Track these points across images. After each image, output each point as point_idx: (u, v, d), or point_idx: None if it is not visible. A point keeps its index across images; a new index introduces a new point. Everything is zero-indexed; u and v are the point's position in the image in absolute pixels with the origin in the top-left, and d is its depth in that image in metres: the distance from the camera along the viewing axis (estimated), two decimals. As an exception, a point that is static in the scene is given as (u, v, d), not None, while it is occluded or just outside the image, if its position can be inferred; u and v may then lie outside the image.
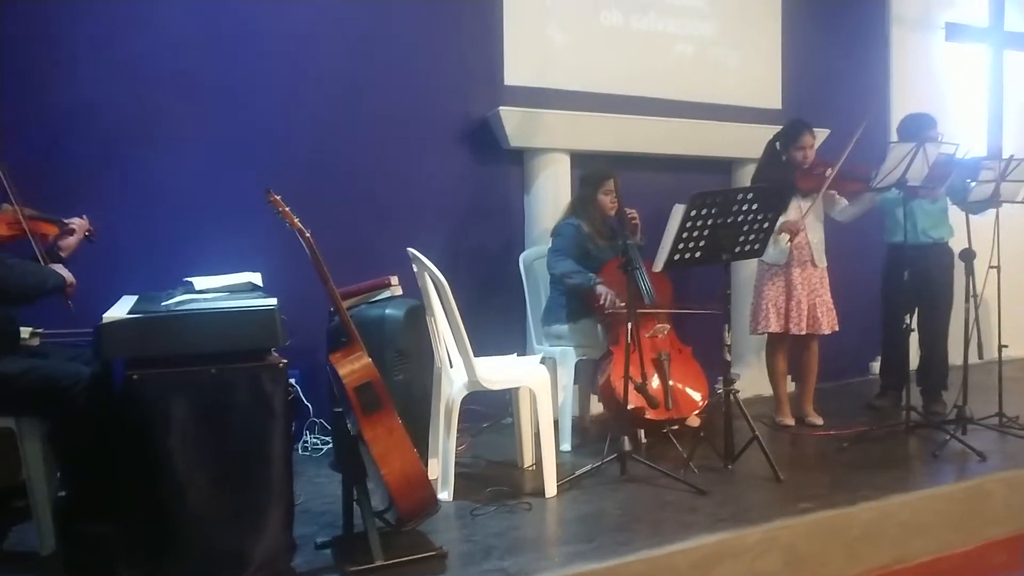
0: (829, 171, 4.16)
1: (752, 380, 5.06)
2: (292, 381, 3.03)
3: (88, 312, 2.66)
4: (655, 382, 3.96)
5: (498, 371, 3.43)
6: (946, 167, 4.02)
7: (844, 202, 4.40)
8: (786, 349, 4.44)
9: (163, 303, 2.67)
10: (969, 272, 4.13)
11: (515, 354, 3.85)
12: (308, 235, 2.65)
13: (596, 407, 4.56)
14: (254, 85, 4.08)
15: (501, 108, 4.53)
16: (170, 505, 2.44)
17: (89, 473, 2.76)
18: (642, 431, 4.08)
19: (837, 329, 4.31)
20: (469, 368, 3.25)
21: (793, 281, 4.25)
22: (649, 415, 3.88)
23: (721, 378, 3.66)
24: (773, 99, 5.49)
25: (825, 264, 4.33)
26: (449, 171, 4.57)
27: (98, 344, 2.50)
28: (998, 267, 4.16)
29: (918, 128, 4.42)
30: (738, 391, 3.65)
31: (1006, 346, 4.31)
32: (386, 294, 3.69)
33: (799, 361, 4.49)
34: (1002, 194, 4.14)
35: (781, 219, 3.89)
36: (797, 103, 5.40)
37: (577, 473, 3.45)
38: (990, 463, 3.65)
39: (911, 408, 4.08)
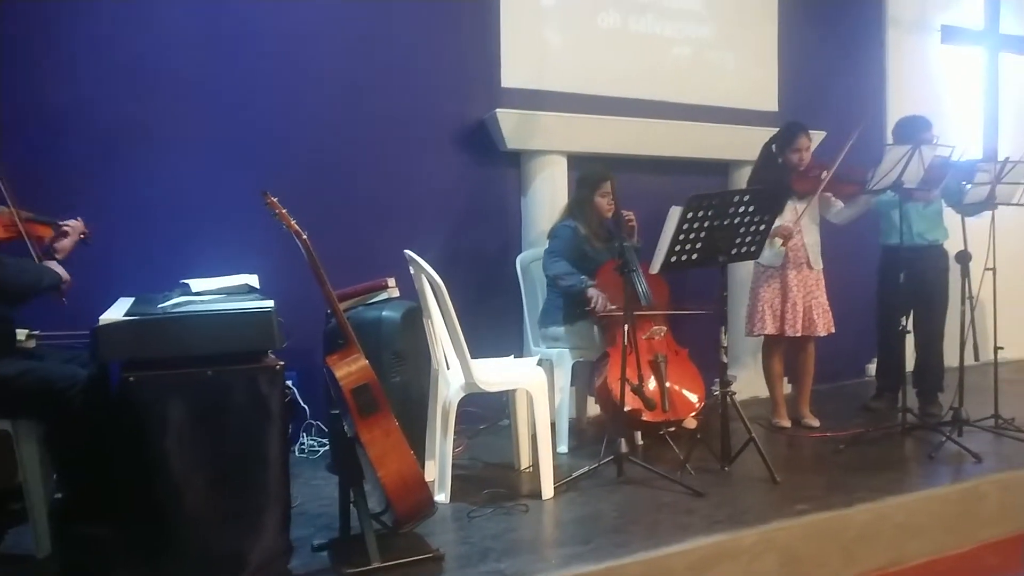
0: (825, 173, 4.17)
1: (748, 382, 5.07)
2: (289, 383, 3.03)
3: (84, 314, 2.65)
4: (652, 384, 3.96)
5: (495, 373, 3.43)
6: (942, 169, 4.03)
7: (840, 204, 4.41)
8: (782, 351, 4.44)
9: (160, 305, 2.67)
10: (965, 274, 4.13)
11: (512, 356, 3.85)
12: (305, 237, 2.65)
13: (593, 409, 4.56)
14: (251, 87, 4.08)
15: (498, 110, 4.54)
16: (167, 507, 2.44)
17: (85, 475, 2.76)
18: (639, 433, 4.09)
19: (833, 331, 4.32)
20: (466, 370, 3.25)
21: (789, 283, 4.25)
22: (646, 417, 3.88)
23: (718, 380, 3.67)
24: (770, 101, 5.50)
25: (821, 266, 4.33)
26: (446, 173, 4.57)
27: (94, 346, 2.49)
28: (994, 269, 4.17)
29: (914, 130, 4.43)
30: (734, 393, 3.66)
31: (1002, 348, 4.33)
32: (383, 296, 3.70)
33: (795, 363, 4.50)
34: (998, 196, 4.14)
35: (777, 222, 3.90)
36: (793, 105, 5.41)
37: (574, 475, 3.46)
38: (986, 465, 3.66)
39: (907, 410, 4.09)
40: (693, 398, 4.07)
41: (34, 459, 2.73)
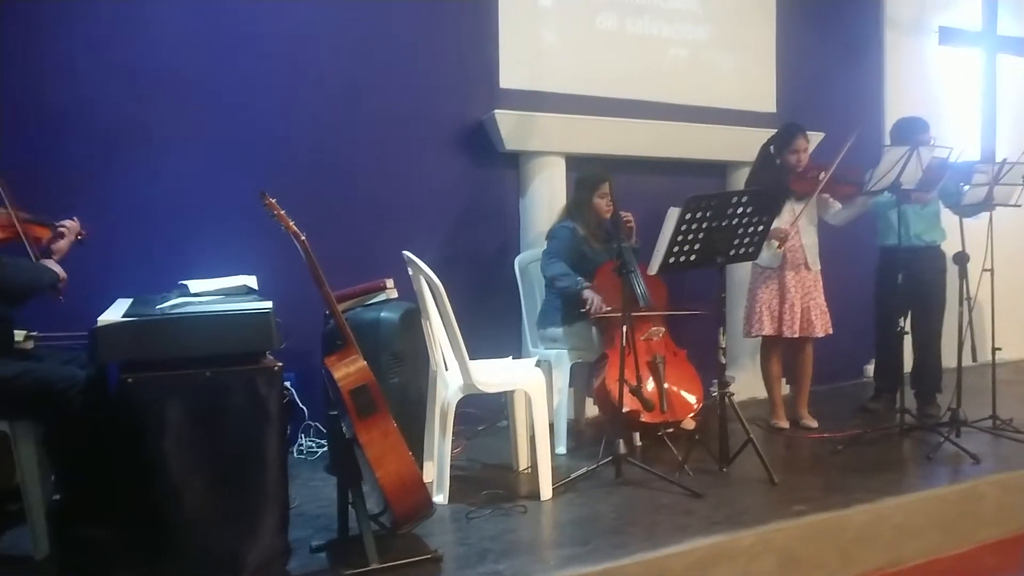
0: (823, 175, 4.17)
1: (747, 383, 5.08)
2: (287, 384, 3.02)
3: (83, 315, 2.65)
4: (650, 385, 3.97)
5: (493, 374, 3.43)
6: (939, 171, 4.03)
7: (838, 205, 4.41)
8: (780, 352, 4.45)
9: (158, 306, 2.67)
10: (963, 275, 4.14)
11: (510, 357, 3.85)
12: (303, 238, 2.65)
13: (591, 410, 4.56)
14: (249, 88, 4.08)
15: (496, 111, 4.54)
16: (165, 508, 2.44)
17: (84, 476, 2.76)
18: (637, 434, 4.09)
19: (831, 332, 4.33)
20: (464, 371, 3.25)
21: (787, 284, 4.26)
22: (644, 418, 3.88)
23: (716, 381, 3.67)
24: (768, 102, 5.50)
25: (819, 267, 4.34)
26: (445, 174, 4.57)
27: (93, 347, 2.49)
28: (992, 270, 4.17)
29: (911, 132, 4.44)
30: (733, 394, 3.66)
31: (999, 349, 4.33)
32: (381, 297, 3.70)
33: (793, 364, 4.50)
34: (995, 197, 4.15)
35: (775, 223, 3.90)
36: (791, 106, 5.42)
37: (572, 476, 3.45)
38: (984, 466, 3.66)
39: (905, 411, 4.10)
40: (691, 399, 4.07)
41: (32, 460, 2.73)
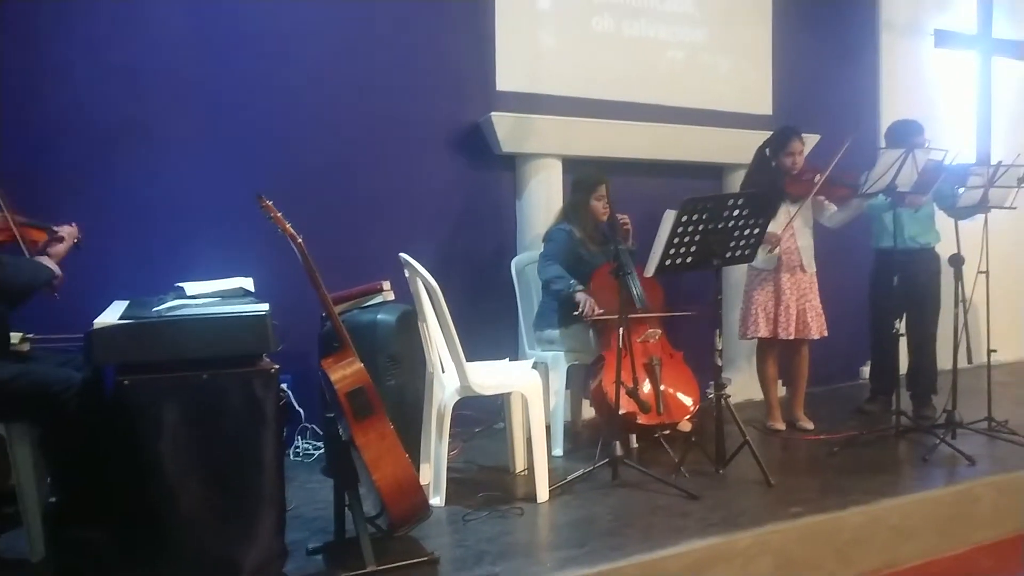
0: (818, 177, 4.18)
1: (743, 385, 5.08)
2: (284, 386, 3.03)
3: (79, 317, 2.65)
4: (647, 387, 3.97)
5: (490, 376, 3.43)
6: (934, 173, 4.05)
7: (833, 208, 4.42)
8: (776, 354, 4.46)
9: (154, 308, 2.67)
10: (958, 277, 4.15)
11: (507, 359, 3.85)
12: (300, 240, 2.65)
13: (588, 412, 4.56)
14: (246, 89, 4.08)
15: (493, 113, 4.54)
16: (161, 511, 2.44)
17: (80, 479, 2.75)
18: (633, 436, 4.09)
19: (826, 334, 4.33)
20: (461, 373, 3.25)
21: (782, 286, 4.27)
22: (641, 420, 3.89)
23: (712, 383, 3.68)
24: (764, 105, 5.51)
25: (814, 269, 4.35)
26: (441, 176, 4.58)
27: (89, 349, 2.49)
28: (987, 272, 4.18)
29: (906, 134, 4.45)
30: (729, 396, 3.67)
31: (995, 351, 4.33)
32: (378, 299, 3.69)
33: (790, 366, 4.51)
34: (990, 200, 4.16)
35: (771, 225, 3.90)
36: (787, 109, 5.43)
37: (569, 478, 3.46)
38: (979, 467, 3.67)
39: (901, 413, 4.10)
40: (688, 401, 4.08)
41: (28, 462, 2.72)
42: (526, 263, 4.53)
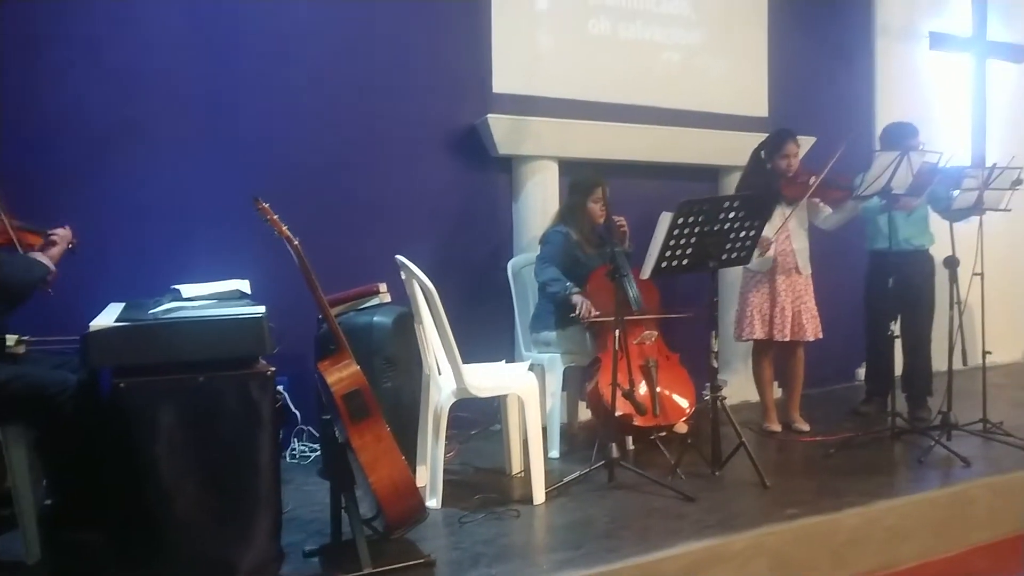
0: (813, 179, 4.19)
1: (739, 387, 5.09)
2: (280, 388, 3.02)
3: (75, 319, 2.65)
4: (643, 389, 3.98)
5: (486, 378, 3.43)
6: (929, 176, 4.06)
7: (828, 210, 4.43)
8: (772, 356, 4.46)
9: (150, 311, 2.67)
10: (953, 279, 4.15)
11: (503, 361, 3.86)
12: (296, 243, 2.65)
13: (584, 414, 4.57)
14: (242, 91, 4.07)
15: (489, 115, 4.54)
16: (157, 513, 2.44)
17: (76, 481, 2.75)
18: (630, 438, 4.09)
19: (821, 336, 4.34)
20: (457, 375, 3.25)
21: (777, 288, 4.27)
22: (637, 422, 3.89)
23: (708, 385, 3.68)
24: (759, 107, 5.52)
25: (809, 271, 4.36)
26: (437, 178, 4.58)
27: (85, 352, 2.49)
28: (982, 274, 4.19)
29: (900, 137, 4.47)
30: (725, 398, 3.67)
31: (990, 352, 4.34)
32: (374, 301, 3.69)
33: (785, 368, 4.52)
34: (985, 202, 4.17)
35: (767, 227, 3.91)
36: (783, 111, 5.44)
37: (565, 480, 3.46)
38: (974, 469, 3.68)
39: (896, 414, 4.11)
40: (684, 403, 4.08)
41: (23, 464, 2.71)
42: (522, 265, 4.53)
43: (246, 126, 4.06)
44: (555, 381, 4.11)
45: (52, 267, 2.85)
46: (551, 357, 4.15)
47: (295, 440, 4.08)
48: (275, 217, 2.66)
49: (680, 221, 3.41)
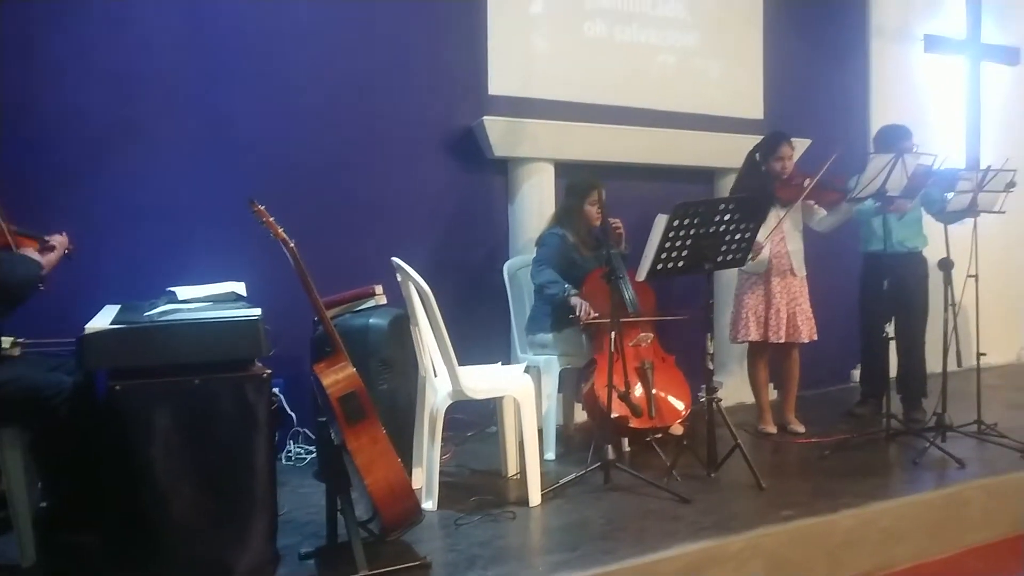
0: (807, 181, 4.20)
1: (735, 388, 5.10)
2: (276, 390, 3.03)
3: (70, 321, 2.65)
4: (638, 391, 3.98)
5: (482, 380, 3.43)
6: (923, 178, 4.07)
7: (823, 212, 4.44)
8: (767, 358, 4.47)
9: (146, 313, 2.67)
10: (947, 281, 4.17)
11: (499, 363, 3.86)
12: (292, 245, 2.65)
13: (580, 416, 4.57)
14: (239, 93, 4.07)
15: (485, 118, 4.55)
16: (153, 516, 2.44)
17: (71, 484, 2.75)
18: (626, 440, 4.10)
19: (816, 338, 4.35)
20: (453, 377, 3.25)
21: (773, 290, 4.28)
22: (633, 424, 3.89)
23: (704, 386, 3.69)
24: (755, 109, 5.53)
25: (804, 273, 4.36)
26: (434, 180, 4.58)
27: (80, 354, 2.49)
28: (976, 276, 4.21)
29: (894, 139, 4.47)
30: (720, 399, 3.69)
31: (984, 354, 4.35)
32: (370, 303, 3.69)
33: (781, 369, 4.53)
34: (979, 204, 4.19)
35: (762, 229, 3.92)
36: (779, 113, 5.46)
37: (561, 482, 3.46)
38: (969, 470, 3.69)
39: (891, 416, 4.12)
40: (679, 405, 4.08)
41: (18, 467, 2.71)
42: (518, 267, 4.53)
43: (242, 128, 4.06)
44: (551, 383, 4.11)
45: (44, 262, 2.83)
46: (547, 359, 4.15)
47: (291, 442, 4.07)
48: (271, 219, 2.66)
49: (676, 223, 3.41)
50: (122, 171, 3.80)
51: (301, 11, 4.22)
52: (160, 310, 2.69)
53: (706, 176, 5.36)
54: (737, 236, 3.61)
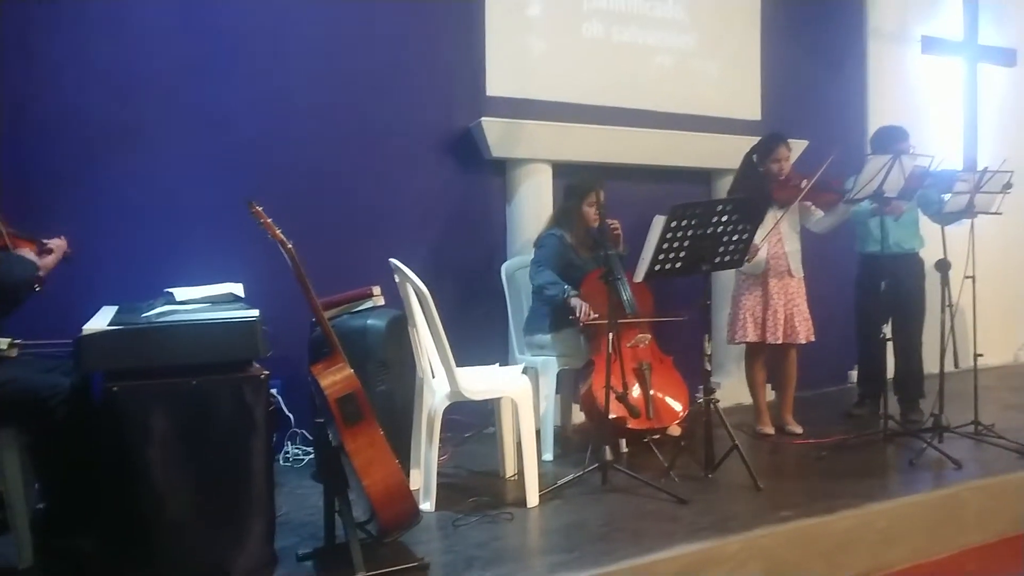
0: (804, 183, 4.20)
1: (732, 389, 5.10)
2: (273, 391, 3.03)
3: (68, 322, 2.64)
4: (636, 392, 3.98)
5: (480, 381, 3.43)
6: (919, 179, 4.08)
7: (820, 213, 4.44)
8: (764, 358, 4.47)
9: (143, 314, 2.66)
10: (945, 282, 4.17)
11: (497, 364, 3.86)
12: (290, 246, 2.65)
13: (578, 417, 4.57)
14: (235, 94, 4.07)
15: (483, 119, 4.55)
16: (150, 517, 2.43)
17: (68, 485, 2.74)
18: (623, 441, 4.10)
19: (813, 339, 4.35)
20: (451, 378, 3.25)
21: (770, 291, 4.29)
22: (630, 425, 3.89)
23: (701, 387, 3.69)
24: (752, 110, 5.54)
25: (802, 274, 4.37)
26: (431, 181, 4.58)
27: (78, 355, 2.48)
28: (973, 277, 4.21)
29: (891, 140, 4.49)
30: (718, 400, 3.69)
31: (981, 355, 4.36)
32: (368, 304, 3.69)
33: (778, 370, 4.53)
34: (977, 205, 4.19)
35: (759, 230, 3.92)
36: (776, 114, 5.46)
37: (559, 483, 3.46)
38: (966, 471, 3.70)
39: (888, 417, 4.12)
40: (677, 406, 4.09)
41: (15, 468, 2.71)
42: (516, 268, 4.53)
43: (239, 129, 4.05)
44: (549, 384, 4.11)
45: (40, 263, 2.82)
46: (545, 360, 4.15)
47: (288, 443, 4.07)
48: (268, 220, 2.65)
49: (673, 224, 3.42)
50: (119, 172, 3.80)
51: (298, 13, 4.22)
52: (158, 311, 2.68)
53: (704, 177, 5.37)
54: (735, 237, 3.61)
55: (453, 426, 4.06)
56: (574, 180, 4.38)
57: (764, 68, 5.57)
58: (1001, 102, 6.68)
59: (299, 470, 3.88)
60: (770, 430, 4.47)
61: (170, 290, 2.93)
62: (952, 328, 4.15)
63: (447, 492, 3.39)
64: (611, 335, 3.53)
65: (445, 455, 3.91)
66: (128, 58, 3.86)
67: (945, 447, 3.91)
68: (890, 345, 4.33)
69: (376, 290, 3.72)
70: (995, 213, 4.33)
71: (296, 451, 4.05)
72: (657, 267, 3.51)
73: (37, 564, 2.71)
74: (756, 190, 4.18)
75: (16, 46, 3.67)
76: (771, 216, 4.23)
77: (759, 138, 4.54)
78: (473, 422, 4.27)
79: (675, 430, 4.14)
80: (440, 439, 3.32)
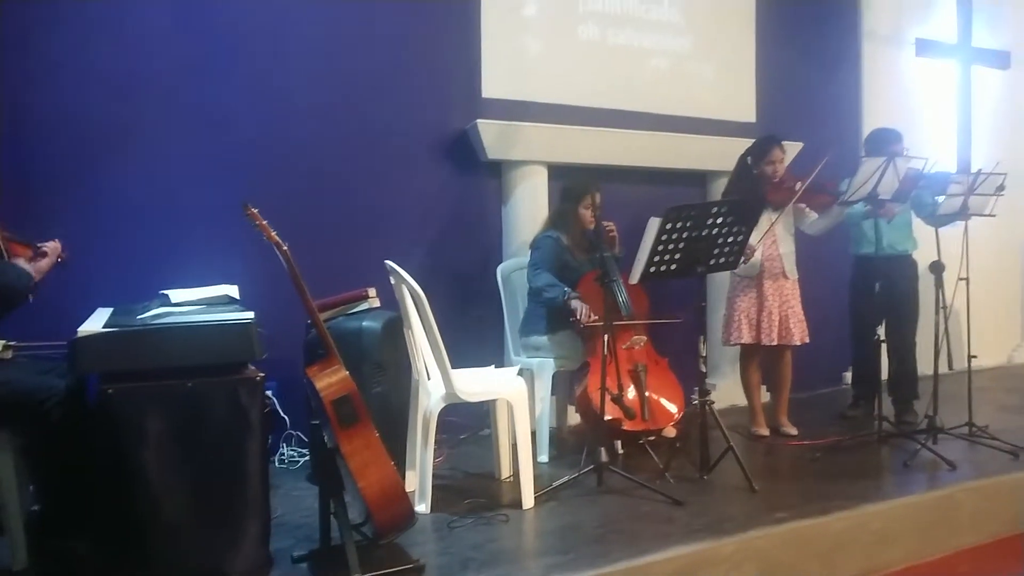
0: (799, 185, 4.21)
1: (727, 391, 5.11)
2: (268, 393, 3.02)
3: (63, 324, 2.64)
4: (632, 393, 3.98)
5: (475, 383, 3.44)
6: (912, 182, 4.09)
7: (814, 215, 4.45)
8: (759, 360, 4.48)
9: (139, 316, 2.66)
10: (939, 284, 4.18)
11: (492, 366, 3.86)
12: (285, 248, 2.64)
13: (573, 418, 4.57)
14: (233, 96, 4.07)
15: (479, 121, 4.55)
16: (145, 520, 2.43)
17: (63, 487, 2.74)
18: (619, 442, 4.10)
19: (808, 340, 4.36)
20: (447, 380, 3.25)
21: (765, 292, 4.30)
22: (626, 426, 3.90)
23: (697, 389, 3.70)
24: (747, 112, 5.55)
25: (796, 276, 4.38)
26: (427, 183, 4.58)
27: (73, 357, 2.48)
28: (967, 279, 4.23)
29: (884, 142, 4.50)
30: (713, 402, 3.69)
31: (975, 356, 4.37)
32: (364, 306, 3.69)
33: (773, 372, 4.54)
34: (970, 207, 4.21)
35: (754, 232, 3.93)
36: (771, 117, 5.47)
37: (554, 484, 3.46)
38: (960, 472, 3.71)
39: (883, 418, 4.13)
40: (672, 407, 4.09)
41: (10, 470, 2.70)
42: (512, 270, 4.53)
43: (235, 131, 4.05)
44: (544, 385, 4.11)
45: (33, 272, 2.82)
46: (540, 361, 4.15)
47: (284, 445, 4.07)
48: (264, 222, 2.65)
49: (668, 226, 3.42)
50: (115, 173, 3.79)
51: (298, 13, 4.22)
52: (153, 313, 2.68)
53: (698, 179, 5.38)
54: (729, 239, 3.62)
55: (449, 428, 4.06)
56: (570, 182, 4.38)
57: (759, 70, 5.58)
58: (995, 104, 6.71)
59: (295, 472, 3.88)
60: (765, 431, 4.48)
61: (165, 292, 2.93)
62: (946, 330, 4.16)
63: (443, 494, 3.40)
64: (606, 337, 3.53)
65: (441, 457, 3.91)
66: (128, 58, 3.86)
67: (939, 448, 3.92)
68: (884, 347, 4.34)
69: (372, 292, 3.72)
70: (989, 215, 4.34)
71: (292, 453, 4.05)
72: (652, 269, 3.51)
73: (32, 566, 2.70)
74: (751, 192, 4.19)
75: (16, 46, 3.67)
76: (766, 218, 4.24)
77: (754, 140, 4.55)
78: (469, 424, 4.27)
79: (670, 432, 4.14)
80: (436, 441, 3.33)
